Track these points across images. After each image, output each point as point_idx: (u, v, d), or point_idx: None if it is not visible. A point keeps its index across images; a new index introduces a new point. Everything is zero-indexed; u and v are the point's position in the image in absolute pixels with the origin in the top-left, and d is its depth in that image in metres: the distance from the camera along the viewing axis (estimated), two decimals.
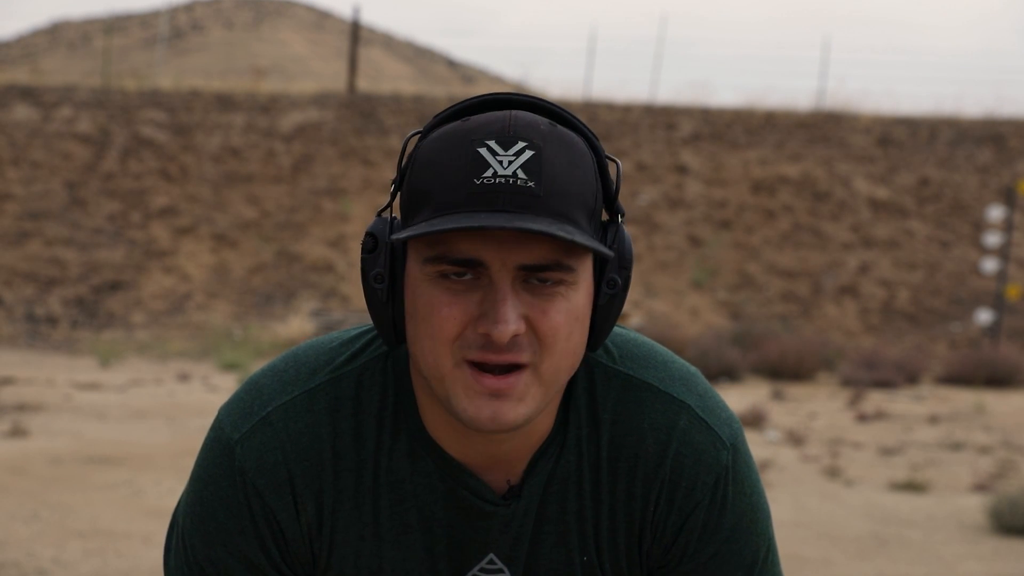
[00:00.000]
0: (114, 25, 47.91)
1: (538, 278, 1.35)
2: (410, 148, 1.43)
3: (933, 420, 12.59)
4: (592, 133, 1.42)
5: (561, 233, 1.29)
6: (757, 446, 10.43)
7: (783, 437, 11.02)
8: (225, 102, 24.41)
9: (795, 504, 7.92)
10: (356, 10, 27.37)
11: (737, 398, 13.49)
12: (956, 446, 10.99)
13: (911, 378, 15.75)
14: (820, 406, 13.42)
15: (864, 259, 22.03)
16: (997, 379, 15.59)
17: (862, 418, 12.53)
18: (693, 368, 1.54)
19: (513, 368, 1.36)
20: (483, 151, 1.33)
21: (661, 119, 25.80)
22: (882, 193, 23.39)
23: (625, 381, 1.50)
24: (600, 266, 1.41)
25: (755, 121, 25.52)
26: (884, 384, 15.08)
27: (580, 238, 1.30)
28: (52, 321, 18.80)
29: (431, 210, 1.34)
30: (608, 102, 26.80)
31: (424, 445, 1.48)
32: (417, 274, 1.37)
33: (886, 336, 19.91)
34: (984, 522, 7.79)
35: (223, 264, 20.47)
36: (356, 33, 28.18)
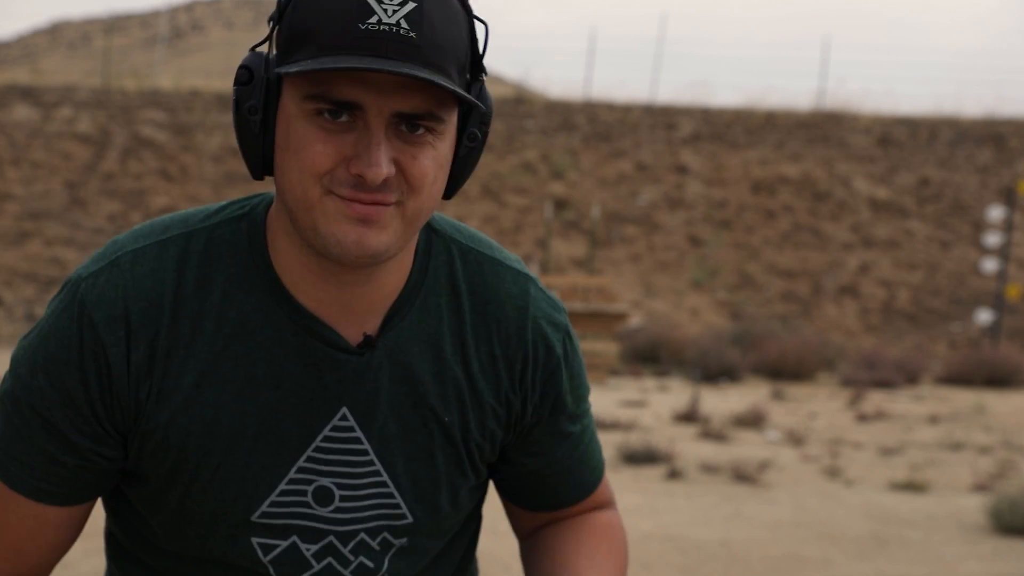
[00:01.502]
0: (114, 25, 47.93)
1: (410, 125, 1.40)
2: None
3: (933, 420, 12.60)
4: None
5: (444, 83, 1.36)
6: (757, 446, 10.44)
7: (783, 437, 11.03)
8: (225, 102, 24.43)
9: (795, 504, 7.93)
10: None
11: (737, 398, 13.50)
12: (956, 446, 11.00)
13: (911, 378, 15.76)
14: (820, 406, 13.43)
15: (864, 259, 22.05)
16: (997, 379, 15.60)
17: (862, 418, 12.54)
18: None
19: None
20: None
21: (661, 119, 25.81)
22: (882, 193, 23.40)
23: (479, 256, 1.60)
24: (463, 120, 1.48)
25: (755, 121, 25.53)
26: (884, 384, 15.09)
27: (460, 90, 1.38)
28: None
29: (315, 49, 1.37)
30: (608, 102, 26.80)
31: (277, 296, 1.50)
32: (294, 110, 1.41)
33: (886, 336, 19.92)
34: (984, 522, 7.80)
35: None
36: None
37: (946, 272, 21.79)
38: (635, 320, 18.99)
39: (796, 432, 11.32)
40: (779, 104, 26.16)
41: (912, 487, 9.00)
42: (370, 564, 1.57)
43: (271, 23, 1.45)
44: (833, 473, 9.34)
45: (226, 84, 26.87)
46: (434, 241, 1.58)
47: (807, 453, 10.31)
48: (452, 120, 1.45)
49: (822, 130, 25.33)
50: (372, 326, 1.53)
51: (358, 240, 1.41)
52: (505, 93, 30.32)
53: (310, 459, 1.52)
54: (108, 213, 21.37)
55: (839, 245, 22.43)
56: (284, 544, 1.54)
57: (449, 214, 26.51)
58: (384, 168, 1.38)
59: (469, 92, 1.47)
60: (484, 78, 1.50)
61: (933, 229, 22.83)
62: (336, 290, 1.49)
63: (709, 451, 9.81)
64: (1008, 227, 19.64)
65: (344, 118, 1.39)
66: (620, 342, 16.17)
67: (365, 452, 1.54)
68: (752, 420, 11.61)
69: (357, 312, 1.51)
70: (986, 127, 25.10)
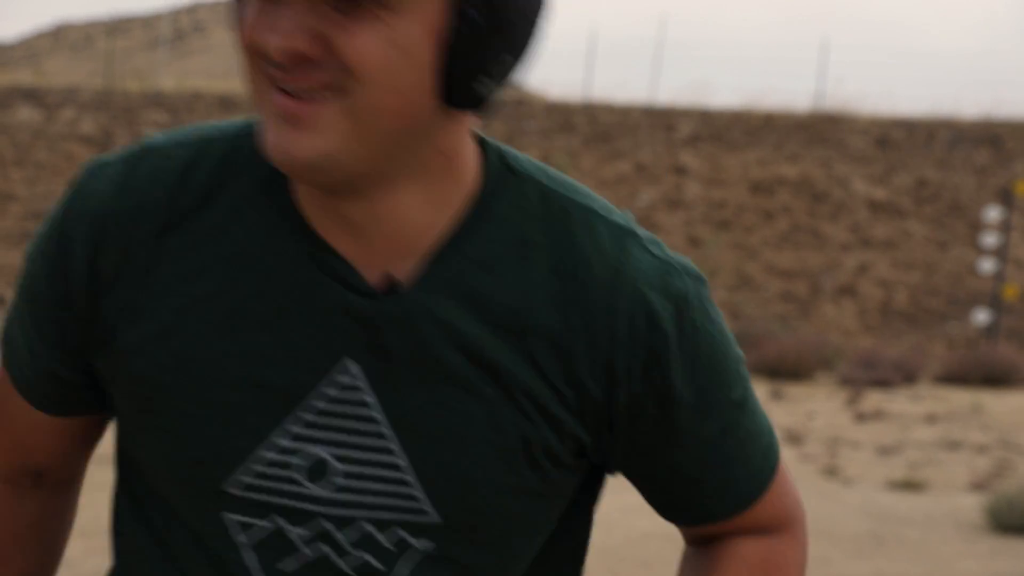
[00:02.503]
0: (117, 27, 47.96)
1: None
2: None
3: (931, 419, 12.65)
4: None
5: None
6: None
7: (782, 436, 11.10)
8: (227, 103, 24.47)
9: None
10: None
11: None
12: (954, 445, 11.06)
13: (909, 378, 15.81)
14: (818, 406, 13.48)
15: (862, 259, 22.11)
16: (994, 379, 15.65)
17: (860, 417, 12.59)
18: None
19: (316, 98, 1.12)
20: None
21: (660, 120, 25.86)
22: (880, 194, 23.46)
23: (567, 203, 1.25)
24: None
25: (754, 122, 25.58)
26: (882, 384, 15.14)
27: None
28: None
29: None
30: (608, 103, 26.86)
31: (291, 221, 1.23)
32: None
33: (884, 336, 19.98)
34: (981, 521, 7.85)
35: None
36: None
37: (944, 272, 21.86)
38: None
39: (795, 431, 11.38)
40: (778, 105, 26.22)
41: (910, 486, 9.06)
42: (378, 565, 1.26)
43: None
44: (831, 472, 9.41)
45: (228, 86, 26.90)
46: (507, 179, 1.25)
47: (805, 452, 10.37)
48: None
49: (820, 131, 25.39)
50: (401, 271, 1.22)
51: (282, 145, 1.12)
52: (504, 94, 30.37)
53: (299, 420, 1.23)
54: None
55: (837, 245, 22.49)
56: (263, 524, 1.25)
57: None
58: (281, 36, 1.09)
59: None
60: None
61: (931, 230, 22.90)
62: (346, 222, 1.21)
63: None
64: (1005, 228, 19.70)
65: None
66: None
67: (373, 420, 1.24)
68: None
69: (381, 252, 1.22)
70: (983, 128, 25.16)
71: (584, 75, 38.13)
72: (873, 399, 14.04)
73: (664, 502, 1.37)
